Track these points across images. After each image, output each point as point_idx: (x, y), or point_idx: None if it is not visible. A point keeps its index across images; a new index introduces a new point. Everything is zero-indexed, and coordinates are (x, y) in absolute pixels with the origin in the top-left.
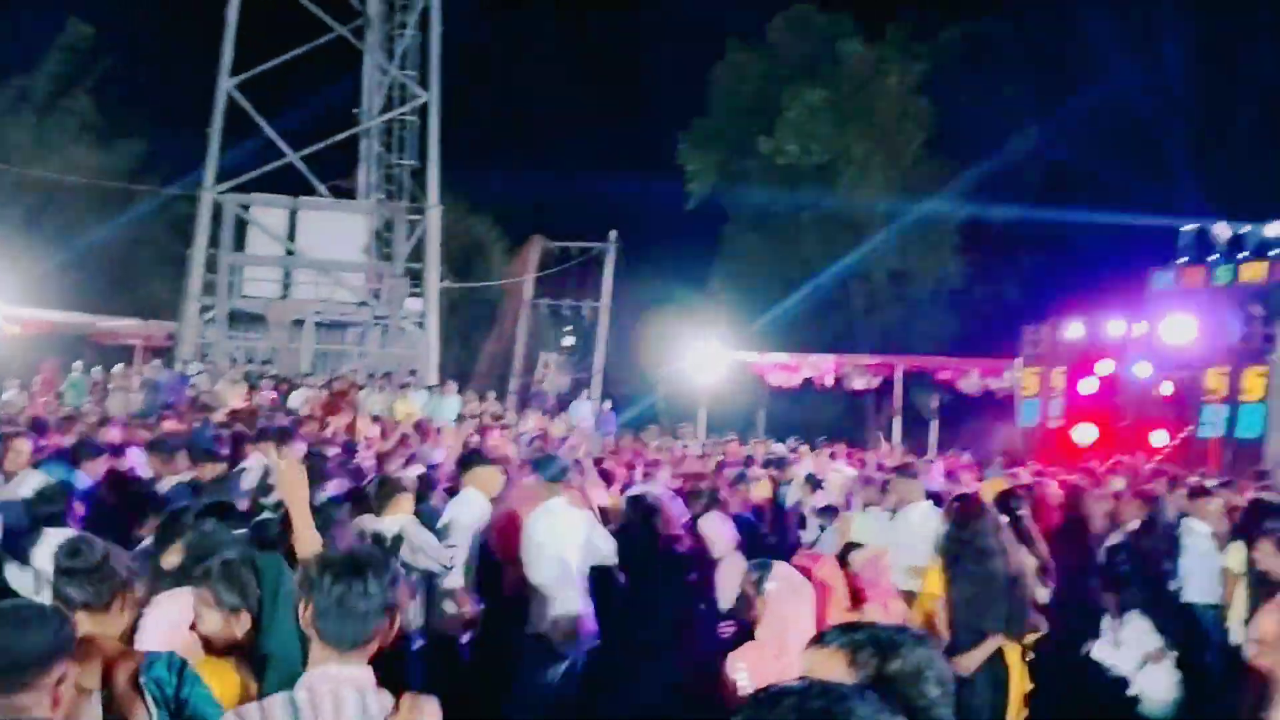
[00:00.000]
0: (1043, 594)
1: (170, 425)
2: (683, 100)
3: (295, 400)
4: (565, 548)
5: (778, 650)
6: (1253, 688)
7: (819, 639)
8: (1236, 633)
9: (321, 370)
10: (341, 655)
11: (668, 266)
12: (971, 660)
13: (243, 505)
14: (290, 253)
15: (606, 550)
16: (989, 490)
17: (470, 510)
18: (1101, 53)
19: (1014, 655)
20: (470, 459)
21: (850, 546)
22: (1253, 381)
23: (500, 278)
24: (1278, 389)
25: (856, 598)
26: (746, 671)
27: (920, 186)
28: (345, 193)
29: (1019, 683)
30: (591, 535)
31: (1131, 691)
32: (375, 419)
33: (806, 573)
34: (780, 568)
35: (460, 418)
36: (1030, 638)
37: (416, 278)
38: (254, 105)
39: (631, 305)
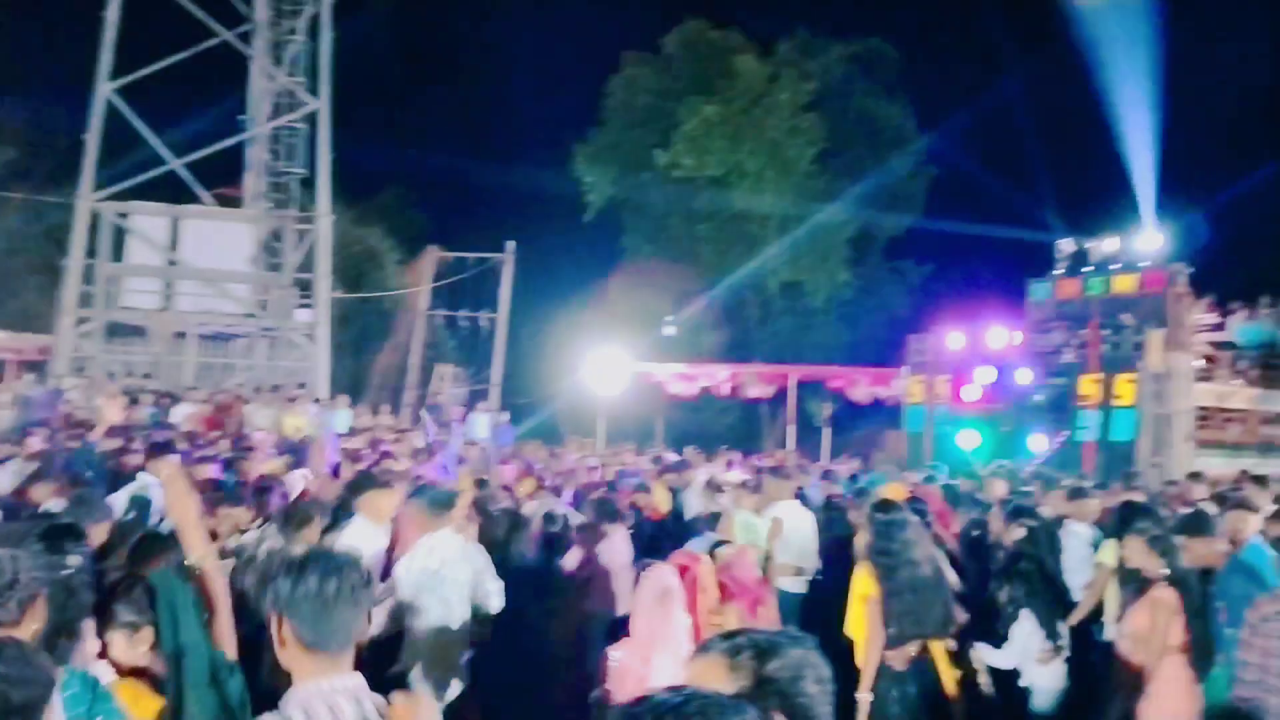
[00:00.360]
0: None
1: (36, 443)
2: (579, 112)
3: (178, 415)
4: (446, 587)
5: (647, 645)
6: (1127, 681)
7: (703, 647)
8: (1109, 629)
9: (206, 384)
10: (330, 661)
11: (566, 277)
12: (901, 658)
13: (104, 527)
14: (172, 263)
15: (494, 592)
16: (888, 493)
17: (358, 543)
18: (980, 72)
19: (939, 649)
20: (361, 482)
21: (717, 544)
22: (1124, 388)
23: (394, 288)
24: (1147, 394)
25: (723, 593)
26: (617, 663)
27: (811, 199)
28: (231, 201)
29: (948, 672)
30: (481, 576)
31: (1023, 683)
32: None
33: (685, 571)
34: (653, 569)
35: (351, 431)
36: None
37: (306, 288)
38: (135, 111)
39: (529, 316)
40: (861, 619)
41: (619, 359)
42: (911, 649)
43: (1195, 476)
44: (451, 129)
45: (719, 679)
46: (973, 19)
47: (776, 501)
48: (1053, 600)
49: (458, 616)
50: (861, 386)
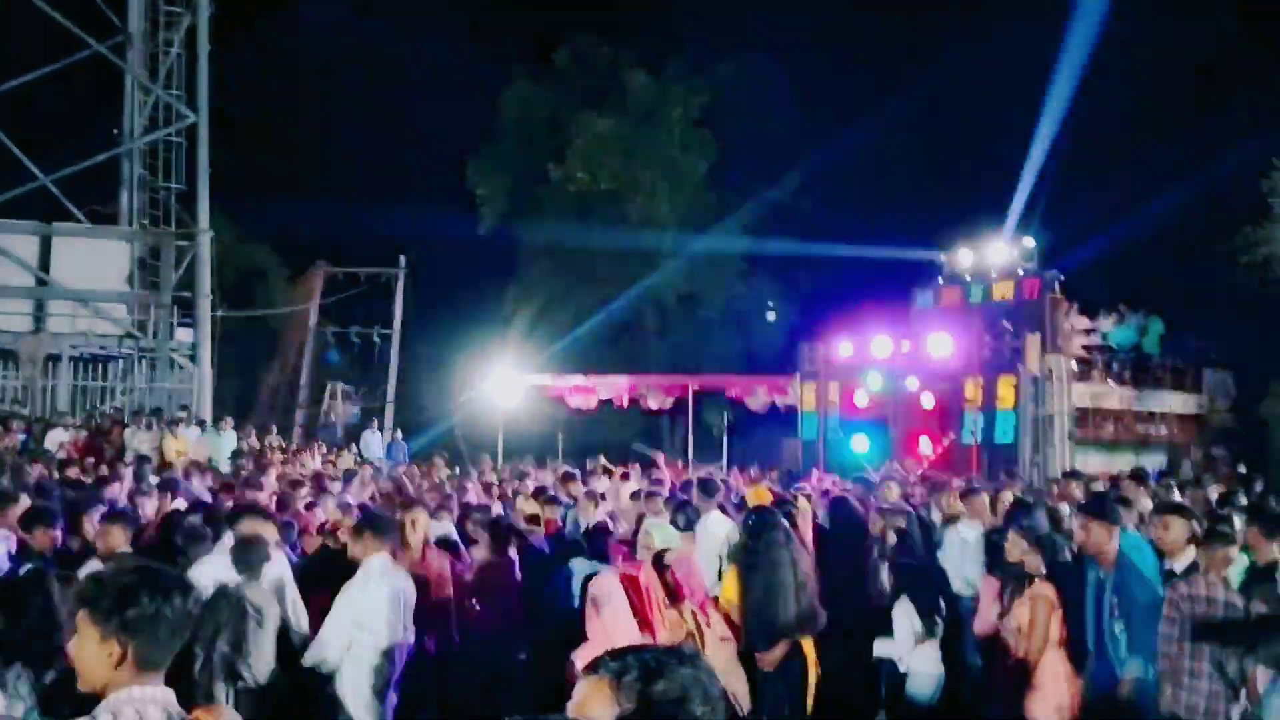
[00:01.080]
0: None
1: None
2: (471, 126)
3: (50, 441)
4: (379, 618)
5: (602, 641)
6: (1011, 673)
7: (592, 667)
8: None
9: (81, 409)
10: (148, 674)
11: (461, 292)
12: (771, 658)
13: None
14: (43, 283)
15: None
16: (753, 498)
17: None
18: (866, 88)
19: (809, 647)
20: (239, 512)
21: (662, 553)
22: (1005, 391)
23: (282, 305)
24: (1026, 397)
25: (674, 595)
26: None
27: (705, 214)
28: (106, 218)
29: (814, 672)
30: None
31: (902, 669)
32: (144, 459)
33: (633, 579)
34: (598, 579)
35: (238, 454)
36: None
37: (186, 307)
38: (2, 125)
39: (424, 332)
40: (723, 621)
41: (517, 373)
42: (779, 650)
43: (1072, 475)
44: (340, 142)
45: (604, 700)
46: (861, 37)
47: (706, 514)
48: (927, 589)
49: (389, 652)
50: (758, 395)
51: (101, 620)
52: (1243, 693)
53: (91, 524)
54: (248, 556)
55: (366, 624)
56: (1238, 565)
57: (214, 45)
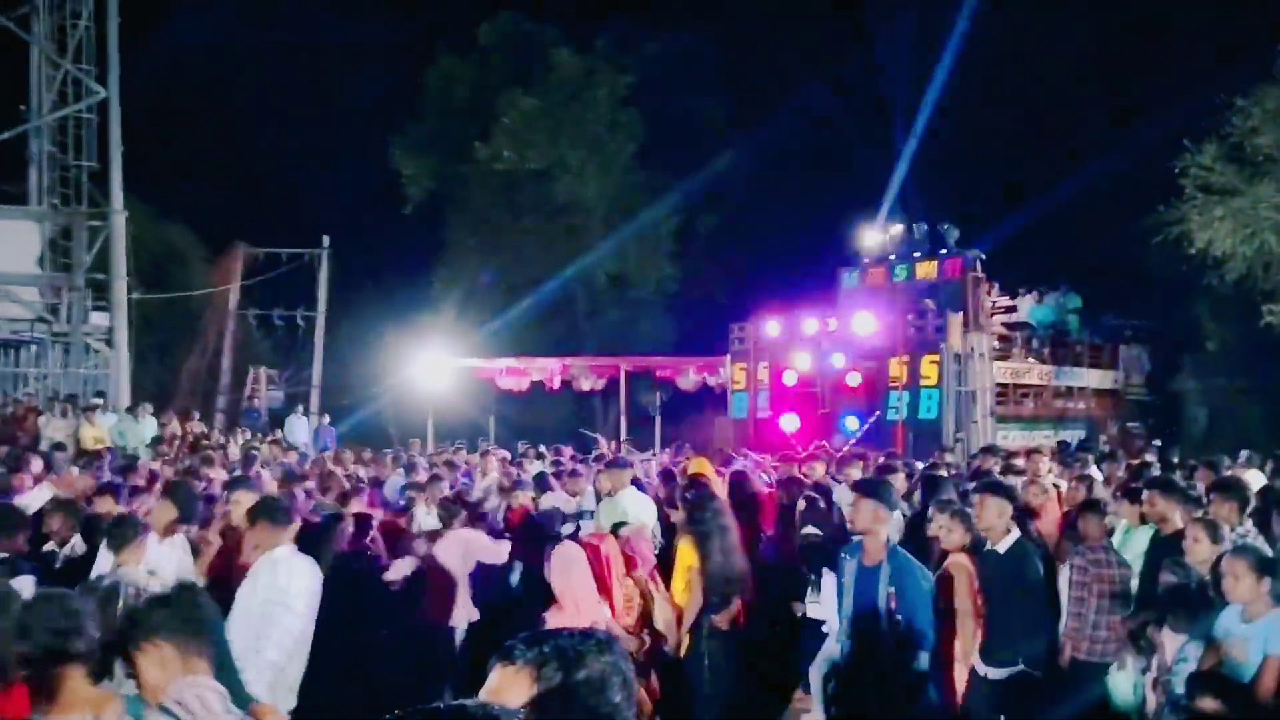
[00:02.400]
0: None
1: None
2: (394, 103)
3: None
4: (288, 612)
5: (574, 609)
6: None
7: (507, 655)
8: None
9: None
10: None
11: (386, 272)
12: (727, 616)
13: None
14: None
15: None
16: (695, 468)
17: (180, 558)
18: (794, 67)
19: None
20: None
21: (619, 525)
22: (929, 369)
23: (201, 287)
24: (949, 374)
25: (629, 564)
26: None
27: (634, 193)
28: (13, 198)
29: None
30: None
31: (825, 630)
32: (59, 446)
33: (595, 548)
34: (561, 546)
35: (157, 440)
36: None
37: (101, 290)
38: None
39: (349, 314)
40: (684, 586)
41: (446, 355)
42: (735, 607)
43: (989, 450)
44: (260, 119)
45: (523, 688)
46: (788, 15)
47: (620, 489)
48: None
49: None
50: (690, 375)
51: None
52: (1154, 659)
53: None
54: (121, 533)
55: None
56: (1144, 535)
57: (125, 17)
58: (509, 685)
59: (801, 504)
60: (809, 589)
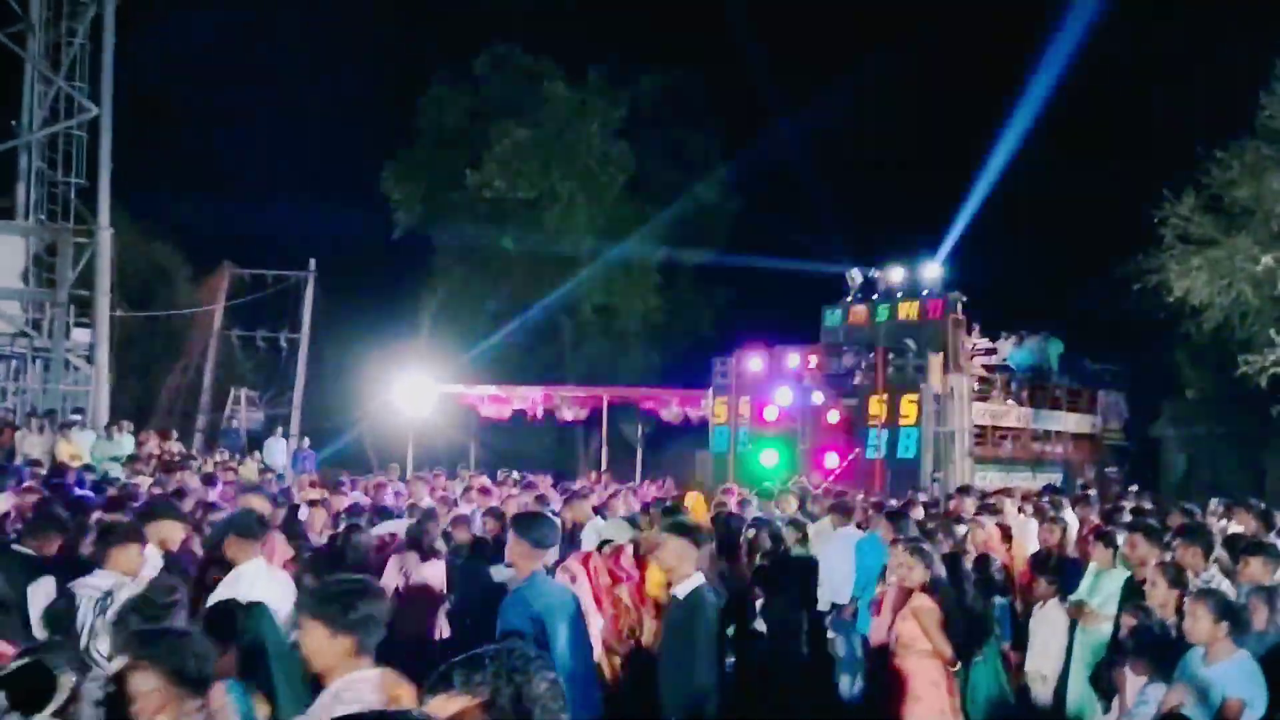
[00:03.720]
0: None
1: None
2: (386, 130)
3: None
4: None
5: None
6: (897, 683)
7: (444, 680)
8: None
9: None
10: (364, 659)
11: (372, 297)
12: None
13: None
14: None
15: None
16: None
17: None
18: (773, 105)
19: None
20: (152, 509)
21: (603, 544)
22: (908, 408)
23: (185, 306)
24: (928, 414)
25: (614, 578)
26: None
27: (622, 226)
28: (1, 212)
29: None
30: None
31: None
32: (34, 463)
33: (587, 562)
34: (569, 560)
35: (133, 458)
36: None
37: (84, 306)
38: None
39: (333, 337)
40: (662, 580)
41: (428, 381)
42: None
43: (964, 490)
44: (251, 141)
45: (467, 712)
46: (778, 53)
47: (581, 521)
48: (791, 587)
49: None
50: (672, 407)
51: (331, 621)
52: (1114, 702)
53: None
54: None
55: None
56: (1115, 578)
57: (119, 37)
58: (448, 711)
59: (766, 541)
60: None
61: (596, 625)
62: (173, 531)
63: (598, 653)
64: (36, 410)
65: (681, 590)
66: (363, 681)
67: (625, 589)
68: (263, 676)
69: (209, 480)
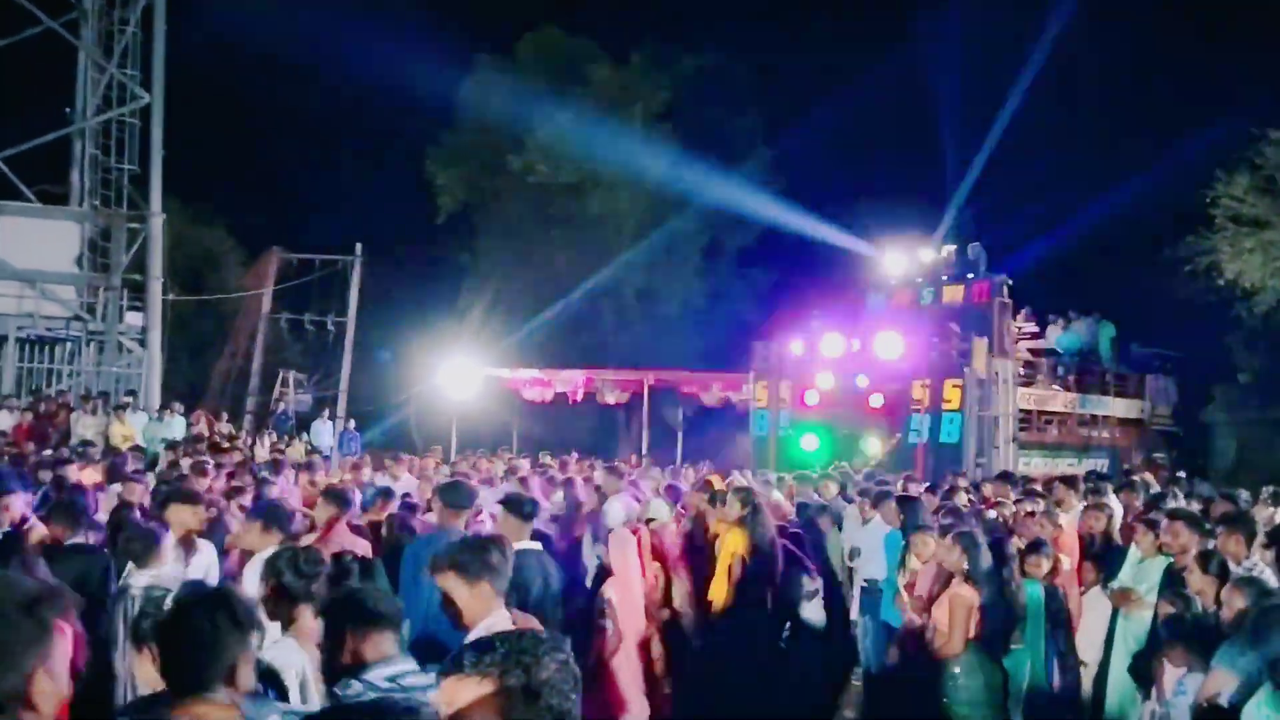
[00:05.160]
0: None
1: None
2: (431, 114)
3: None
4: None
5: (624, 578)
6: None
7: (456, 664)
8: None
9: (26, 391)
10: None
11: (417, 281)
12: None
13: None
14: None
15: None
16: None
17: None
18: (826, 87)
19: None
20: (168, 495)
21: (648, 521)
22: (951, 393)
23: (234, 290)
24: (972, 399)
25: (655, 553)
26: (612, 593)
27: (665, 209)
28: (56, 199)
29: None
30: None
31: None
32: (88, 444)
33: (636, 533)
34: (619, 531)
35: (174, 443)
36: None
37: (137, 290)
38: None
39: (379, 321)
40: (725, 571)
41: (472, 364)
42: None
43: (1004, 476)
44: (298, 128)
45: (477, 695)
46: (820, 35)
47: (611, 495)
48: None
49: None
50: (713, 391)
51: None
52: (1153, 691)
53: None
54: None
55: None
56: (1157, 566)
57: (169, 24)
58: (459, 693)
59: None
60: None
61: (640, 591)
62: (189, 519)
63: (639, 618)
64: (90, 392)
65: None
66: (504, 622)
67: (658, 566)
68: None
69: (275, 466)
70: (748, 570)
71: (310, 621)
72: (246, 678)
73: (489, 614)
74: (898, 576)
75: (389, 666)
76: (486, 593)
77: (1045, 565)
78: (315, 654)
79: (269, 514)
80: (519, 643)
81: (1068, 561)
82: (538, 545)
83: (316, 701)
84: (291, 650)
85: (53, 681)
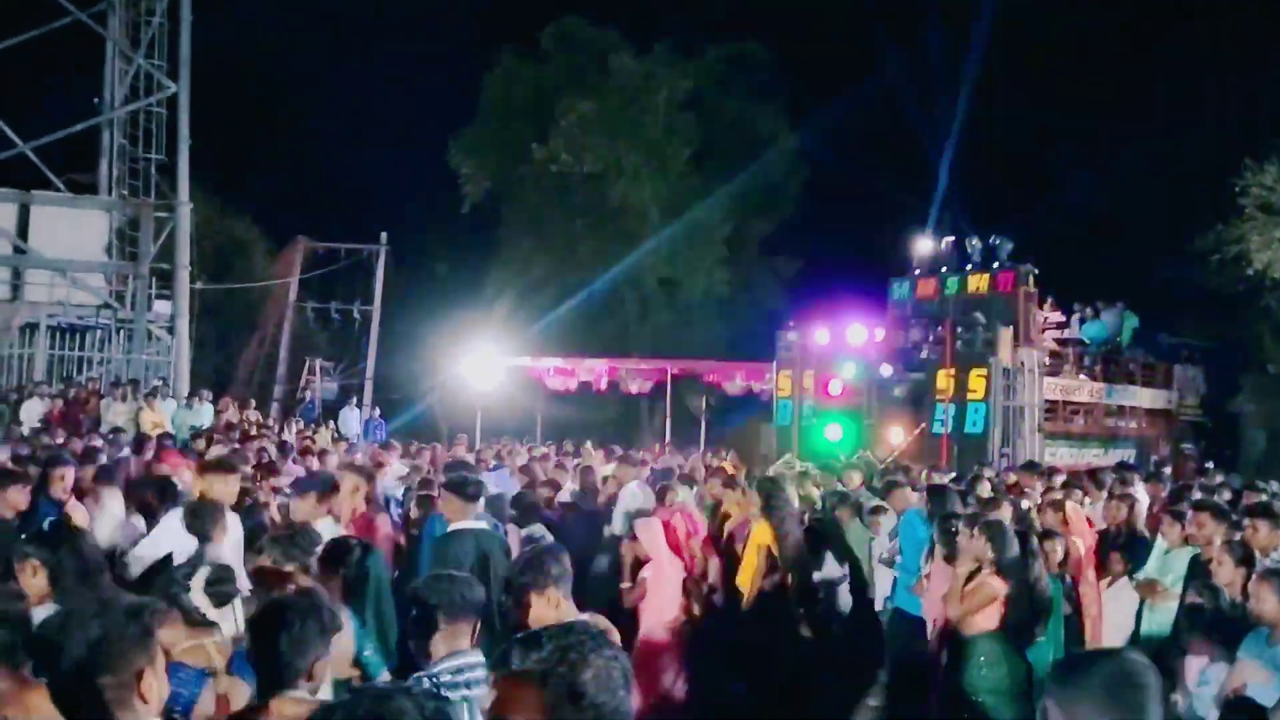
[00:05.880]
0: None
1: None
2: (455, 103)
3: (27, 412)
4: None
5: (658, 562)
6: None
7: (503, 660)
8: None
9: (58, 379)
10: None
11: (442, 270)
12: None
13: None
14: (21, 251)
15: None
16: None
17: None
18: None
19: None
20: (205, 465)
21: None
22: (976, 382)
23: (262, 279)
24: (997, 389)
25: (688, 533)
26: (648, 574)
27: (688, 198)
28: (85, 188)
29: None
30: None
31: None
32: (118, 430)
33: (666, 522)
34: (646, 520)
35: (197, 430)
36: None
37: (165, 279)
38: None
39: (404, 309)
40: (752, 559)
41: (496, 353)
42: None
43: (1029, 467)
44: (324, 117)
45: (526, 692)
46: (843, 24)
47: (626, 483)
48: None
49: None
50: (736, 380)
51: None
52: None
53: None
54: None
55: None
56: (1183, 556)
57: (196, 15)
58: (507, 689)
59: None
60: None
61: (677, 570)
62: (226, 488)
63: (672, 603)
64: (120, 380)
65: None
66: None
67: (696, 542)
68: (359, 603)
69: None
70: (773, 560)
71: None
72: (323, 672)
73: (560, 619)
74: (923, 563)
75: (456, 659)
76: (554, 599)
77: (1058, 553)
78: None
79: (321, 484)
80: (566, 638)
81: (1081, 545)
82: (482, 524)
83: (328, 677)
84: None
85: (157, 678)
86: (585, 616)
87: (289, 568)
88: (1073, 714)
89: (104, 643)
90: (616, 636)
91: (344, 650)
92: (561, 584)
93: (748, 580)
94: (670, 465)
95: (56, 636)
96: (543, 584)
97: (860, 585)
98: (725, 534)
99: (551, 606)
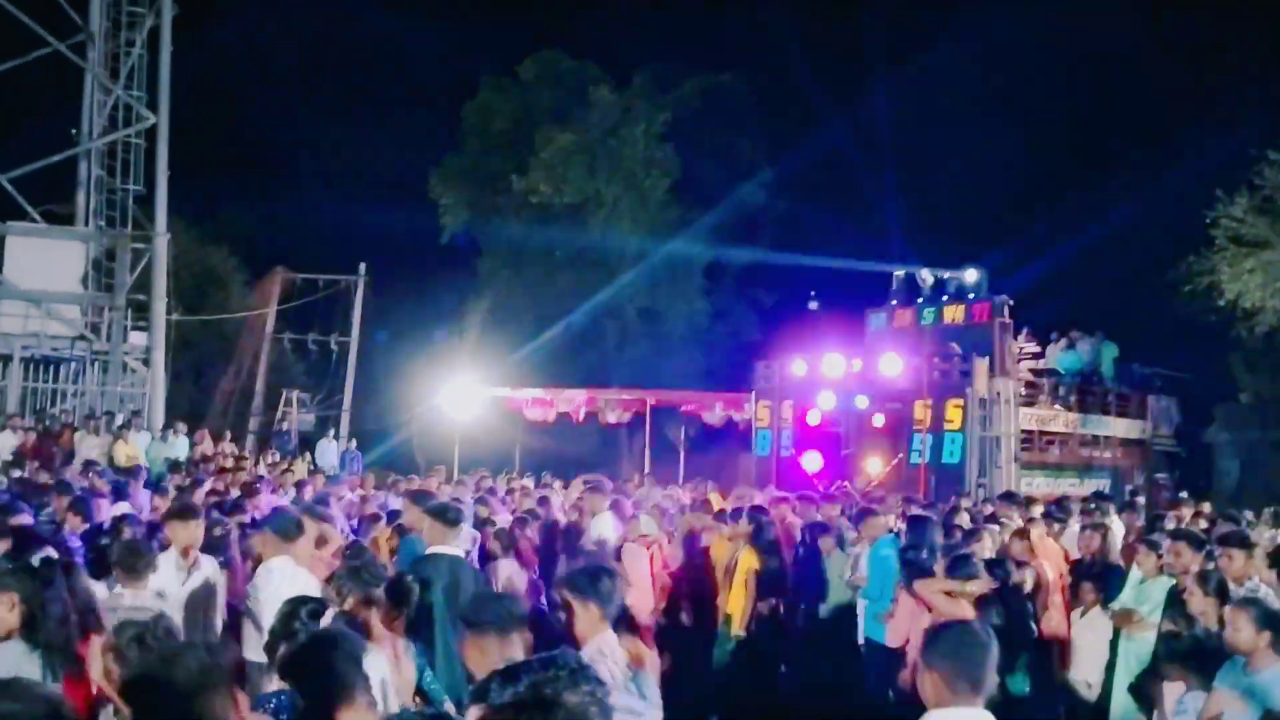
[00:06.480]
0: None
1: None
2: (434, 135)
3: (0, 445)
4: (258, 616)
5: (639, 590)
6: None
7: (483, 694)
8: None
9: (31, 410)
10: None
11: (420, 301)
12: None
13: None
14: None
15: None
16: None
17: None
18: (817, 108)
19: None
20: (166, 513)
21: (643, 535)
22: (953, 412)
23: (239, 310)
24: (973, 419)
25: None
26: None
27: (667, 229)
28: (62, 219)
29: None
30: None
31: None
32: (91, 463)
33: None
34: (631, 545)
35: (176, 463)
36: None
37: (141, 310)
38: None
39: (382, 340)
40: (742, 585)
41: (475, 384)
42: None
43: (1006, 496)
44: (302, 148)
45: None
46: (820, 58)
47: (597, 512)
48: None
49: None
50: (716, 410)
51: (582, 596)
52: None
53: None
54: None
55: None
56: (1160, 586)
57: (176, 47)
58: None
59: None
60: None
61: (650, 594)
62: (189, 533)
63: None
64: (94, 412)
65: None
66: (611, 640)
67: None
68: (424, 636)
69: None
70: (760, 586)
71: (381, 629)
72: (367, 697)
73: (597, 635)
74: (897, 592)
75: None
76: (595, 614)
77: (1028, 584)
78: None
79: (280, 525)
80: (543, 673)
81: (1051, 571)
82: (458, 552)
83: (394, 705)
84: (377, 658)
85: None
86: (622, 640)
87: (350, 600)
88: (932, 667)
89: None
90: (650, 661)
91: (406, 679)
92: (607, 602)
93: (738, 608)
94: (639, 498)
95: None
96: (587, 594)
97: (840, 615)
98: (708, 568)
99: (593, 619)
